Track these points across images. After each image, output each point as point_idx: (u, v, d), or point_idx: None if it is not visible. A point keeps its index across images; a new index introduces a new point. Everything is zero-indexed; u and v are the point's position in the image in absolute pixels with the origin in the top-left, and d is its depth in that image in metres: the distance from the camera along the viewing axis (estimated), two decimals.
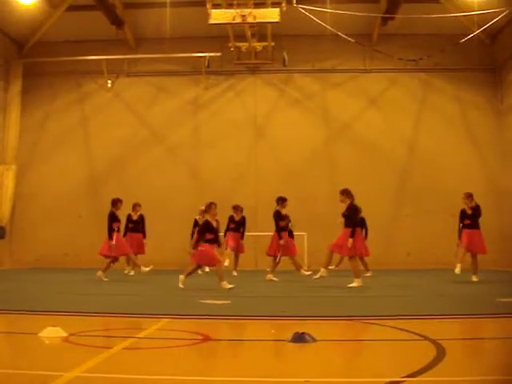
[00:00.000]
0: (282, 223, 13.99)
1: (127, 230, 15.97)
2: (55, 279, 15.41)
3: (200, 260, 11.60)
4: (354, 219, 11.98)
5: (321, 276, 12.12)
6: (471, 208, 13.22)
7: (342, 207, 12.26)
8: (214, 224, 11.66)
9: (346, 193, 12.15)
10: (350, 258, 11.97)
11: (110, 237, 13.84)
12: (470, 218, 13.22)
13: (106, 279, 13.51)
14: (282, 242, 13.85)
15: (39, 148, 21.99)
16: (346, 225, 11.97)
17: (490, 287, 12.33)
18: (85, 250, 20.51)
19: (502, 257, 19.35)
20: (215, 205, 11.65)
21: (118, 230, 14.20)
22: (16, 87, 21.35)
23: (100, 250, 14.17)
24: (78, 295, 10.61)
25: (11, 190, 21.05)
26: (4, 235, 20.75)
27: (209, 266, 12.84)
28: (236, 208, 16.40)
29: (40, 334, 5.66)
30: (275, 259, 14.14)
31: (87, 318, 7.35)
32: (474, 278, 12.95)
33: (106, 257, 14.03)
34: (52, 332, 5.68)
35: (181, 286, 11.28)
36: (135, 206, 16.21)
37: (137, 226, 16.14)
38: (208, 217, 11.68)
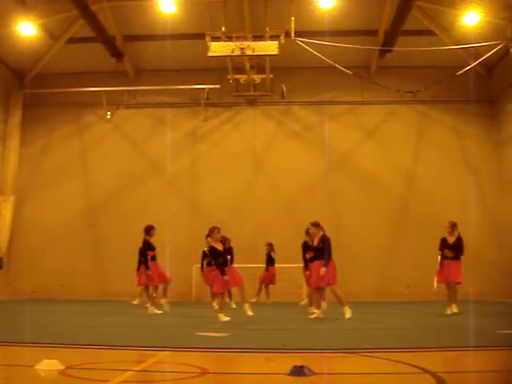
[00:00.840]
0: (309, 253, 13.68)
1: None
2: (52, 310, 15.28)
3: (234, 283, 11.66)
4: (326, 250, 11.91)
5: (317, 317, 11.91)
6: (453, 238, 13.03)
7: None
8: (219, 247, 11.60)
9: (316, 225, 12.26)
10: (332, 288, 11.93)
11: (147, 266, 13.58)
12: (451, 248, 12.98)
13: (159, 311, 13.33)
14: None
15: (38, 179, 22.01)
16: (319, 257, 11.92)
17: (490, 319, 12.24)
18: (82, 281, 20.47)
19: (501, 288, 19.23)
20: (218, 229, 11.65)
21: (153, 259, 13.79)
22: (16, 118, 21.49)
23: (139, 281, 14.10)
24: (75, 327, 10.49)
25: (9, 221, 21.02)
26: (1, 266, 20.65)
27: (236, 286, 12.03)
28: (222, 240, 15.49)
29: (36, 367, 5.59)
30: (320, 290, 12.72)
31: (84, 351, 7.27)
32: (454, 309, 12.55)
33: (146, 285, 13.99)
34: (48, 365, 5.60)
35: (226, 319, 11.12)
36: None
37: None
38: (212, 242, 11.67)
